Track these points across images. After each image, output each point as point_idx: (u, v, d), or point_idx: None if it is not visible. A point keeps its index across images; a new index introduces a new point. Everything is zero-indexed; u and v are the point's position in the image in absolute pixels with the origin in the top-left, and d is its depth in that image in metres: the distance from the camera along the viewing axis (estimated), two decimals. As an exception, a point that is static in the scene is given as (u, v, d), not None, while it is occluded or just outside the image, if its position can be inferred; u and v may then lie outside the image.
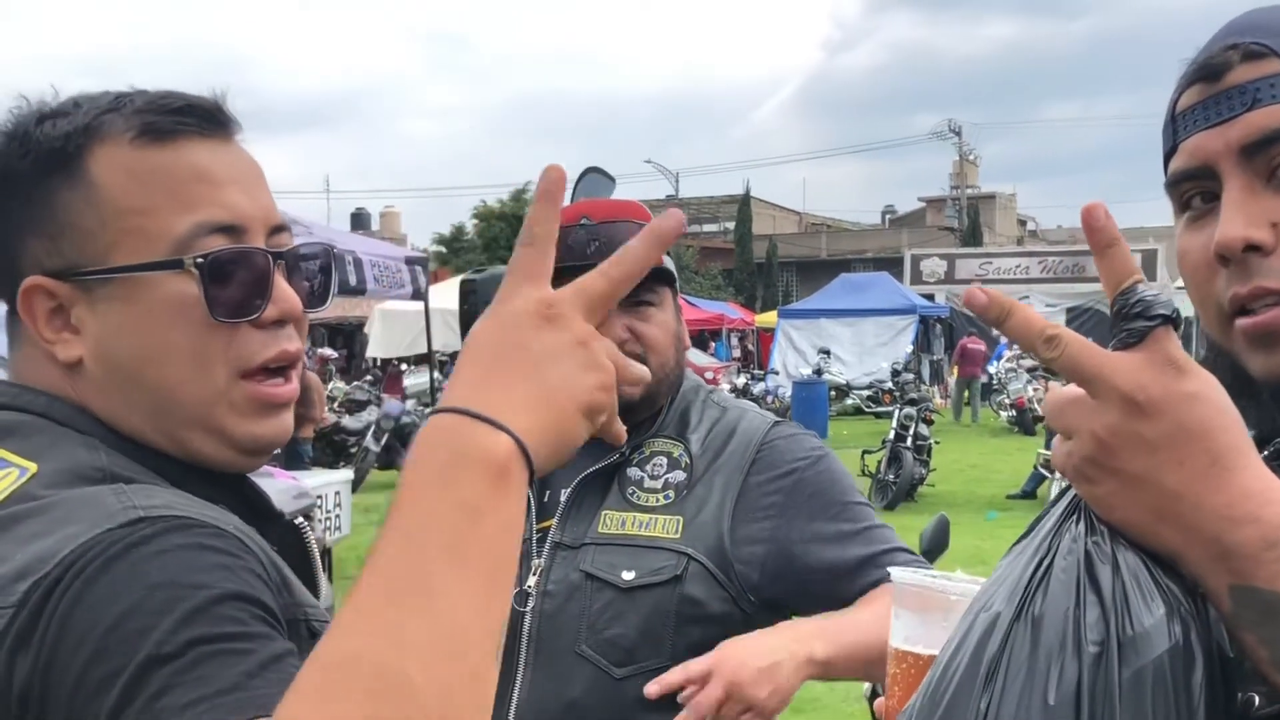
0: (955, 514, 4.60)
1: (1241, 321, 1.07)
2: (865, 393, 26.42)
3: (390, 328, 24.70)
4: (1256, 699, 0.88)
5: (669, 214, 0.95)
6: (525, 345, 0.88)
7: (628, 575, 1.97)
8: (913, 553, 2.08)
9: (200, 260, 1.13)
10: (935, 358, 30.03)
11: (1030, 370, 24.36)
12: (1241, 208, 1.05)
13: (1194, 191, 1.11)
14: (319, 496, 9.15)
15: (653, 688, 1.85)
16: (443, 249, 48.90)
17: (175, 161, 1.15)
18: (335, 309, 24.84)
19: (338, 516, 9.99)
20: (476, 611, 0.77)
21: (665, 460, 2.09)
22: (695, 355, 25.61)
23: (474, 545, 0.79)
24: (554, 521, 2.07)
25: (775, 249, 56.60)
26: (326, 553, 8.33)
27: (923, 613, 1.21)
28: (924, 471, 14.92)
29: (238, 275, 1.15)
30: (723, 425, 2.12)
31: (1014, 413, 23.05)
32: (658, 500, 1.96)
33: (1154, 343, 0.88)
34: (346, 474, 11.79)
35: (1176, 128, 1.12)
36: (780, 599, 2.05)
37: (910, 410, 14.98)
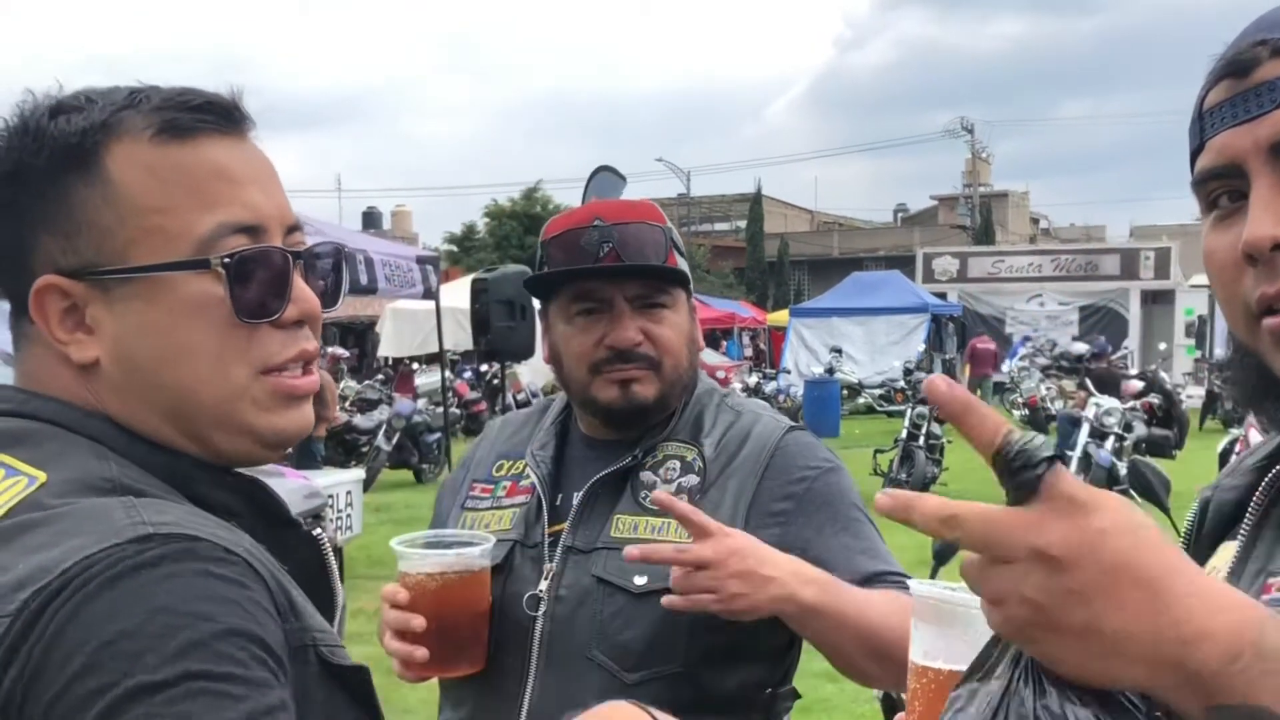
0: (967, 514, 4.57)
1: (1269, 321, 1.05)
2: (877, 391, 26.39)
3: (402, 327, 24.75)
4: None
5: None
6: None
7: (640, 580, 1.95)
8: (911, 578, 2.05)
9: (227, 260, 1.12)
10: (948, 356, 29.97)
11: (1044, 369, 24.32)
12: (1270, 206, 1.03)
13: (1221, 190, 1.09)
14: (330, 496, 9.15)
15: (634, 551, 1.85)
16: (454, 248, 48.94)
17: (196, 159, 1.13)
18: (347, 308, 24.88)
19: (349, 516, 10.00)
20: None
21: (679, 464, 2.07)
22: (706, 354, 25.57)
23: None
24: (566, 525, 2.05)
25: (787, 247, 56.57)
26: (338, 552, 8.33)
27: (941, 626, 1.20)
28: (936, 470, 14.89)
29: (261, 275, 1.14)
30: (737, 429, 2.10)
31: (1027, 412, 23.00)
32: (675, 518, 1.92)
33: (1049, 489, 0.84)
34: (358, 473, 11.80)
35: (1204, 125, 1.10)
36: None
37: (923, 409, 14.95)
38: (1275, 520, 1.17)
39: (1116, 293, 32.83)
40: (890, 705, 4.01)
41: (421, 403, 18.60)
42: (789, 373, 27.72)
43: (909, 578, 2.02)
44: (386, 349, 25.90)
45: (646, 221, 2.08)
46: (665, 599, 1.84)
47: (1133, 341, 30.24)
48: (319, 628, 1.05)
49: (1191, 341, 29.68)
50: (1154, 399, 16.21)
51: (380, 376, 22.18)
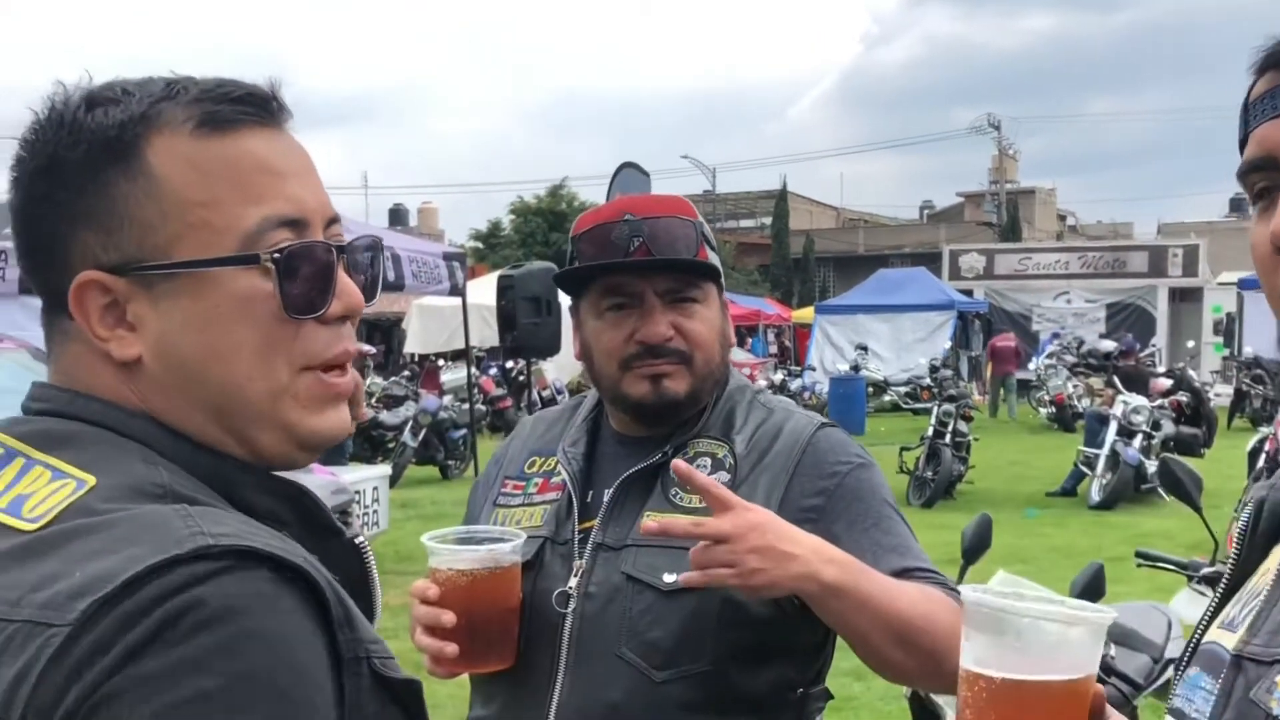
0: (994, 512, 4.57)
1: None
2: (903, 389, 26.36)
3: (428, 323, 24.79)
4: None
5: None
6: None
7: (669, 578, 1.93)
8: (942, 575, 2.04)
9: (277, 256, 1.10)
10: (973, 354, 29.90)
11: (1071, 367, 24.21)
12: None
13: (1263, 182, 1.08)
14: (357, 492, 9.19)
15: (651, 524, 1.84)
16: (479, 244, 49.00)
17: (238, 152, 1.11)
18: (373, 304, 24.90)
19: (375, 512, 10.03)
20: None
21: (709, 461, 2.05)
22: (732, 351, 25.45)
23: None
24: (596, 522, 2.04)
25: (812, 244, 56.48)
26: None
27: (994, 634, 1.19)
28: (963, 469, 14.84)
29: (308, 270, 1.12)
30: (769, 426, 2.09)
31: (1053, 409, 22.93)
32: (701, 502, 1.90)
33: None
34: (384, 469, 11.85)
35: (1248, 116, 1.09)
36: None
37: (949, 407, 14.90)
38: None
39: (1144, 290, 32.65)
40: (919, 704, 4.01)
41: (447, 399, 18.67)
42: (814, 370, 27.69)
43: (941, 574, 2.02)
44: (412, 345, 25.94)
45: (677, 216, 2.07)
46: (683, 575, 1.83)
47: (1160, 339, 30.11)
48: (372, 639, 1.04)
49: (1219, 339, 29.48)
50: (1182, 397, 16.15)
51: (406, 373, 22.24)
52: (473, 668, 1.97)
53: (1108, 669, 3.71)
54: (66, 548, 0.96)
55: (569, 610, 1.99)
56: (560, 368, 22.38)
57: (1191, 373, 18.57)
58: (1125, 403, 14.60)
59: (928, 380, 23.55)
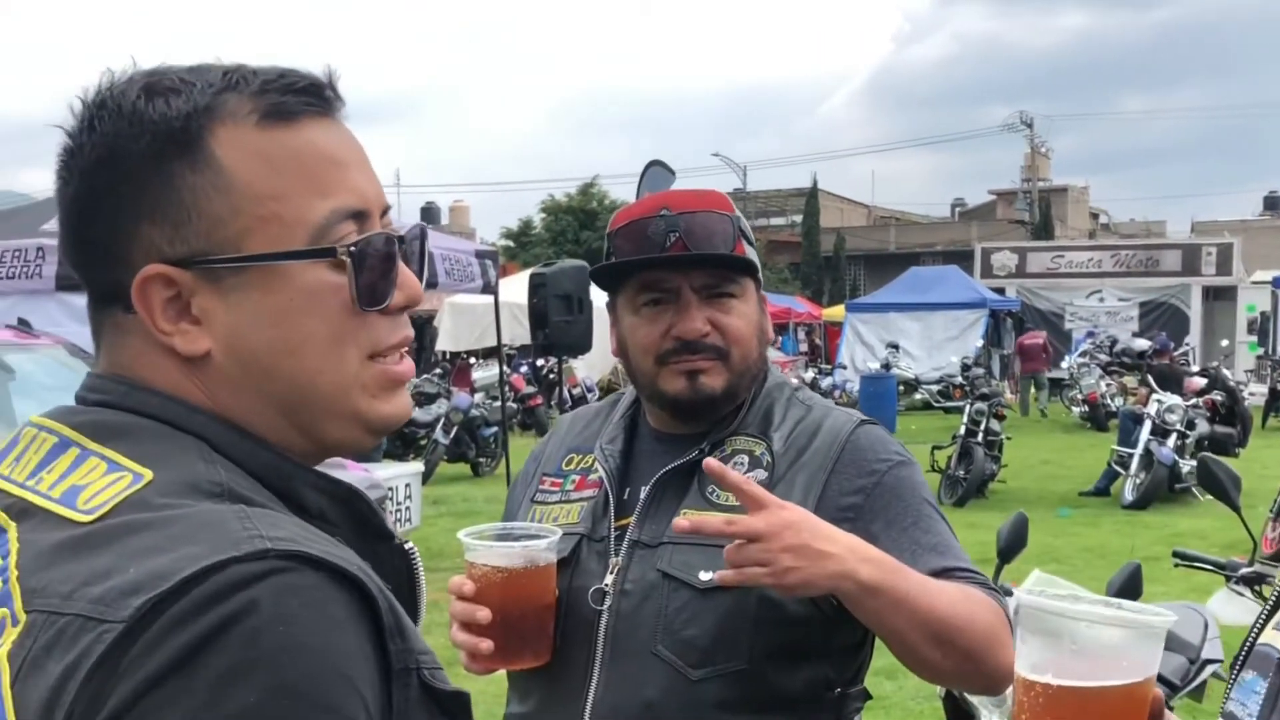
0: (1027, 511, 4.55)
1: None
2: (934, 387, 26.27)
3: (459, 321, 24.87)
4: None
5: None
6: None
7: (705, 575, 1.92)
8: (982, 574, 2.02)
9: (352, 249, 1.09)
10: (1005, 352, 29.76)
11: (1104, 366, 24.08)
12: None
13: None
14: (390, 488, 9.22)
15: (683, 523, 1.83)
16: (510, 243, 49.08)
17: (302, 144, 1.10)
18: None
19: (408, 508, 10.06)
20: None
21: (747, 459, 2.04)
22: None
23: None
24: (632, 519, 2.03)
25: (843, 242, 56.35)
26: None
27: (1049, 638, 1.18)
28: (995, 468, 14.77)
29: (376, 263, 1.11)
30: (807, 424, 2.07)
31: (1086, 408, 22.81)
32: (738, 501, 1.87)
33: None
34: (417, 466, 11.88)
35: None
36: None
37: (982, 405, 14.83)
38: None
39: (1177, 288, 32.44)
40: (953, 705, 3.99)
41: (478, 397, 18.70)
42: (845, 368, 27.63)
43: (981, 574, 2.00)
44: (444, 343, 26.01)
45: (714, 210, 2.05)
46: (718, 574, 1.82)
47: (1194, 338, 29.92)
48: (422, 649, 1.02)
49: (1254, 338, 29.30)
50: (1216, 396, 16.06)
51: (438, 370, 22.29)
52: (508, 664, 1.97)
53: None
54: (122, 542, 0.95)
55: (604, 607, 1.98)
56: (590, 365, 22.41)
57: (1226, 371, 18.47)
58: (1159, 402, 14.51)
59: (959, 379, 23.47)
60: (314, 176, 1.09)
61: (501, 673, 2.03)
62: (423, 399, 17.14)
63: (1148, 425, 14.16)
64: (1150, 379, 16.42)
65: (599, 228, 47.61)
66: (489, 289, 12.19)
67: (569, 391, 19.94)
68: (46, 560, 0.97)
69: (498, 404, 16.35)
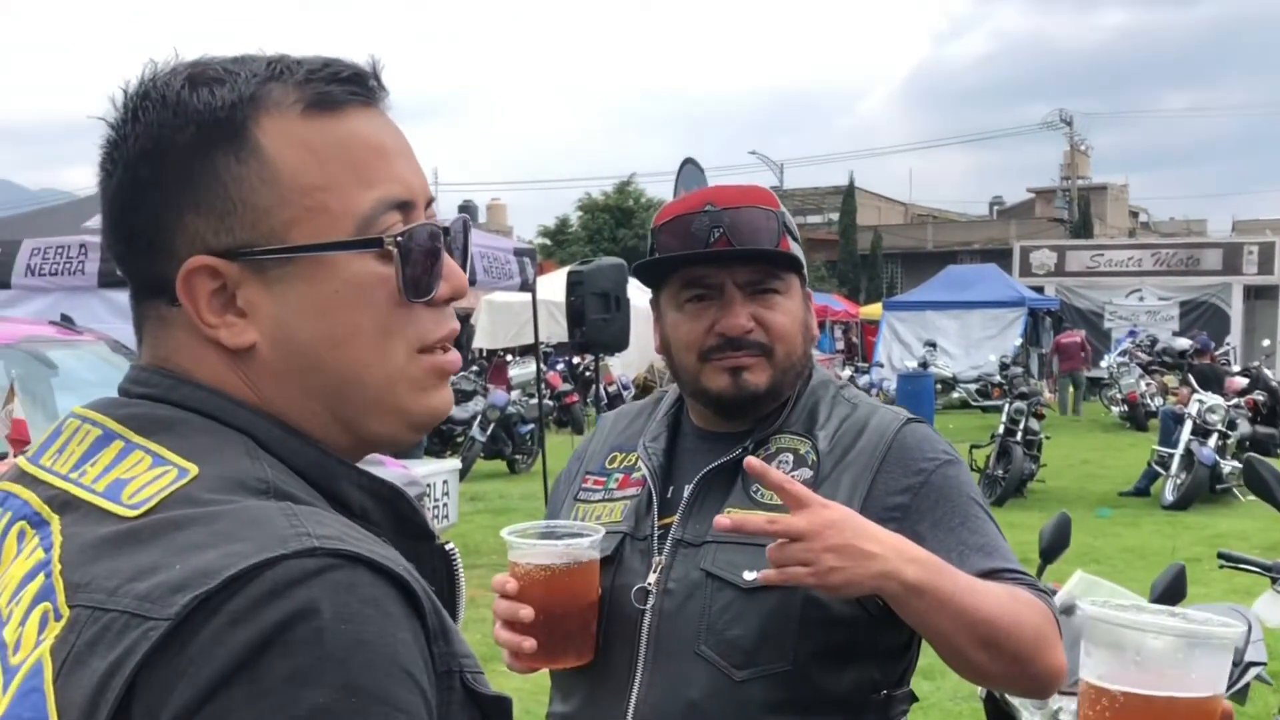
0: (1066, 511, 4.51)
1: None
2: (972, 386, 26.16)
3: (496, 318, 24.94)
4: None
5: None
6: None
7: (749, 575, 1.90)
8: (1030, 576, 1.99)
9: (399, 239, 1.08)
10: (1044, 351, 29.61)
11: (1144, 365, 23.91)
12: None
13: None
14: (428, 485, 9.24)
15: (724, 521, 1.81)
16: (547, 241, 49.16)
17: (349, 134, 1.09)
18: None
19: (445, 505, 10.08)
20: None
21: (791, 457, 2.02)
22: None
23: None
24: (676, 518, 2.02)
25: (880, 240, 56.18)
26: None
27: (1116, 649, 1.17)
28: (1034, 467, 14.68)
29: (422, 254, 1.10)
30: (852, 422, 2.05)
31: (1126, 408, 22.66)
32: (781, 500, 1.84)
33: None
34: (454, 463, 11.90)
35: None
36: None
37: (1021, 404, 14.75)
38: None
39: (1218, 288, 32.21)
40: (994, 706, 3.97)
41: (515, 394, 18.73)
42: (882, 366, 27.54)
43: (1030, 576, 1.98)
44: (481, 341, 26.08)
45: (759, 206, 2.03)
46: (761, 573, 1.80)
47: (1235, 337, 29.69)
48: (464, 652, 1.01)
49: (1296, 337, 29.04)
50: (1258, 396, 15.94)
51: (475, 368, 22.35)
52: (551, 663, 1.96)
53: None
54: (167, 538, 0.94)
55: (648, 607, 1.97)
56: (626, 363, 22.43)
57: (1267, 371, 18.29)
58: (1200, 401, 14.39)
59: (997, 377, 23.37)
60: (359, 166, 1.08)
61: (540, 671, 2.02)
62: (460, 396, 17.18)
63: (1189, 425, 14.05)
64: (1191, 379, 16.31)
65: (635, 226, 47.64)
66: (527, 287, 12.20)
67: (605, 389, 19.94)
68: (91, 555, 0.96)
69: (534, 401, 16.38)
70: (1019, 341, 27.83)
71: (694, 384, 2.06)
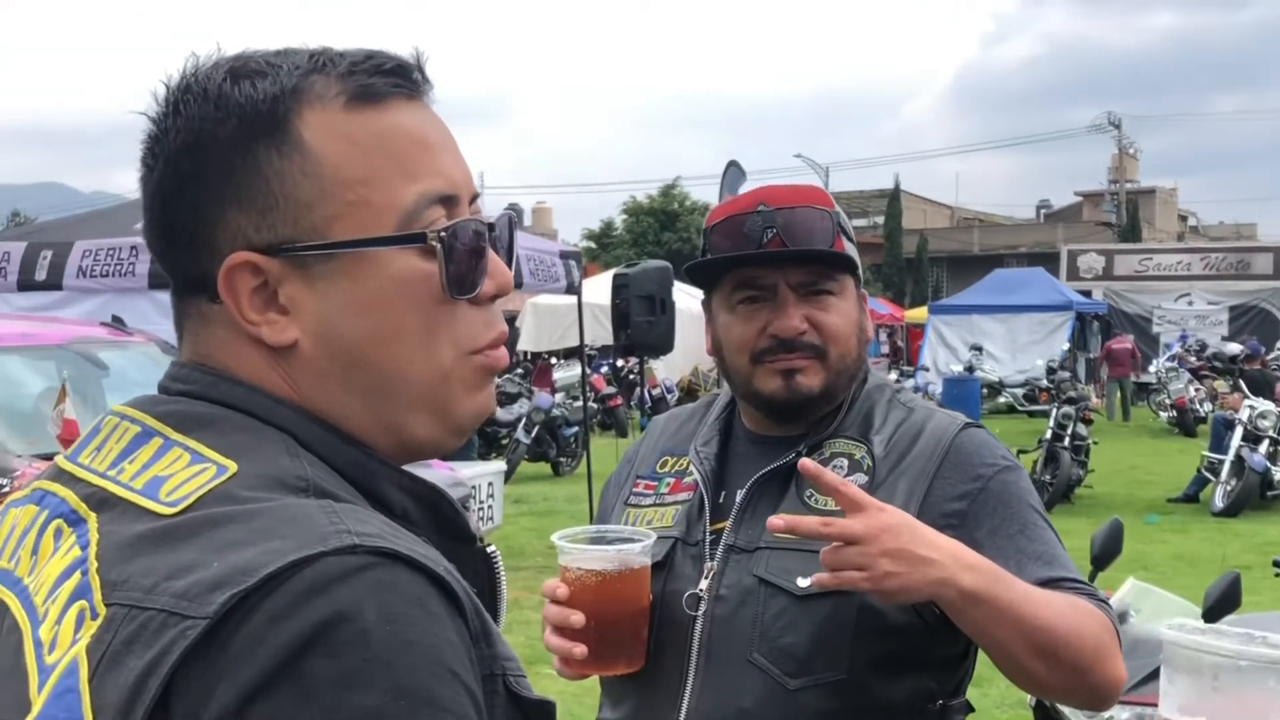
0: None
1: None
2: (1019, 390, 25.99)
3: (541, 321, 25.00)
4: None
5: None
6: None
7: (803, 582, 1.87)
8: (1090, 585, 1.95)
9: (443, 235, 1.06)
10: (1091, 355, 29.40)
11: (1193, 371, 23.70)
12: None
13: None
14: (474, 487, 9.27)
15: (777, 521, 1.78)
16: (592, 244, 49.26)
17: (392, 127, 1.07)
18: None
19: (490, 507, 10.12)
20: None
21: (846, 462, 1.99)
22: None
23: None
24: (728, 524, 1.99)
25: (925, 244, 55.95)
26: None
27: (1196, 677, 1.13)
28: (1081, 473, 14.57)
29: (466, 250, 1.08)
30: (909, 426, 2.01)
31: (1174, 413, 22.47)
32: (836, 504, 1.82)
33: None
34: (499, 465, 11.96)
35: None
36: None
37: (1068, 409, 14.65)
38: None
39: (1269, 292, 31.86)
40: (1044, 715, 3.92)
41: (559, 397, 18.78)
42: (927, 370, 27.41)
43: (1090, 585, 1.94)
44: (526, 343, 26.13)
45: (813, 206, 2.01)
46: (815, 576, 1.77)
47: (1286, 343, 29.36)
48: (507, 655, 0.99)
49: (1347, 343, 28.69)
50: (1310, 402, 15.74)
51: (519, 370, 22.40)
52: (601, 670, 1.94)
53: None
54: (206, 536, 0.92)
55: (699, 613, 1.94)
56: (670, 366, 22.43)
57: (1319, 377, 18.09)
58: (1252, 407, 14.26)
59: (1044, 382, 23.21)
60: (402, 159, 1.06)
61: (575, 679, 2.00)
62: (504, 399, 17.24)
63: (1239, 431, 13.93)
64: (1243, 384, 16.15)
65: (680, 229, 47.69)
66: (572, 289, 12.22)
67: (649, 392, 19.95)
68: (128, 553, 0.95)
69: (578, 404, 16.39)
70: (1066, 346, 27.64)
71: (746, 386, 2.03)
